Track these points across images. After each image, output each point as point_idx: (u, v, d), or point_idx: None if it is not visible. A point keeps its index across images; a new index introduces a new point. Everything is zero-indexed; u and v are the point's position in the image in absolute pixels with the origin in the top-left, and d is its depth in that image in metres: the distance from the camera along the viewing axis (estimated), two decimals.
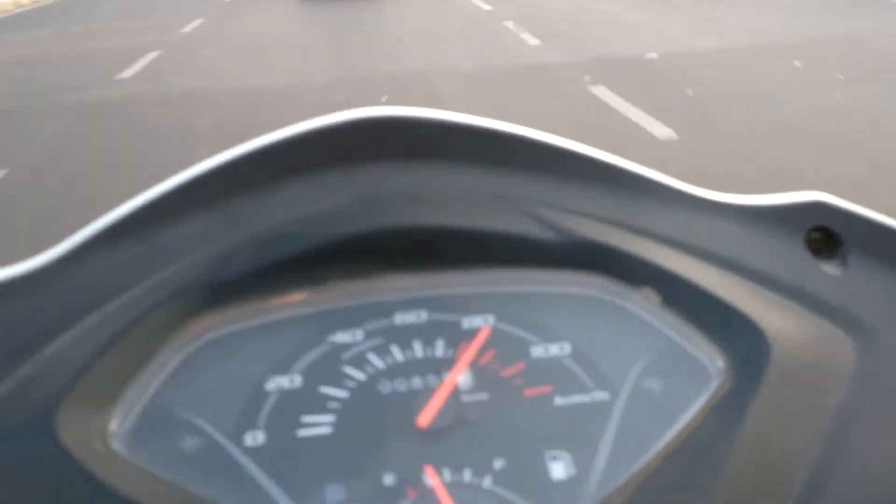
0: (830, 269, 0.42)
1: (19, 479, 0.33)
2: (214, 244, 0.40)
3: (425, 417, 0.37)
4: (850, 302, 0.41)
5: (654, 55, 5.47)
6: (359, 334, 0.40)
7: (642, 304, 0.41)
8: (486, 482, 0.35)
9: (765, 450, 0.35)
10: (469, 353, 0.39)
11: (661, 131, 3.77)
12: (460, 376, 0.39)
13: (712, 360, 0.39)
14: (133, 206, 0.40)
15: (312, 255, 0.40)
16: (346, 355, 0.39)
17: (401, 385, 0.38)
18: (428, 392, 0.38)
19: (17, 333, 0.37)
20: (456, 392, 0.38)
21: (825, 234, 0.43)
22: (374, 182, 0.42)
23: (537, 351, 0.40)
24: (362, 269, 0.41)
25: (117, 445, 0.35)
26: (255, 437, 0.36)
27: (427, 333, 0.40)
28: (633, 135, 3.73)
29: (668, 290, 0.40)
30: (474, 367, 0.39)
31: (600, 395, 0.38)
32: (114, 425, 0.36)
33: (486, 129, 0.42)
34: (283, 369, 0.39)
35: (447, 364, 0.39)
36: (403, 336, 0.40)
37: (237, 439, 0.36)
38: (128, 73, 6.04)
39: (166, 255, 0.39)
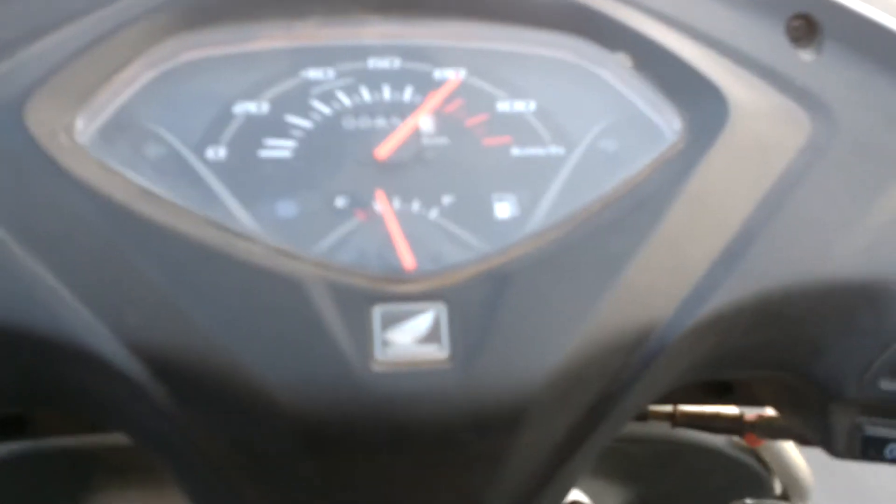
0: (805, 55, 0.43)
1: None
2: None
3: (383, 149, 0.39)
4: (818, 86, 0.42)
5: None
6: (330, 73, 0.41)
7: (613, 68, 0.42)
8: (433, 214, 0.37)
9: (704, 203, 0.37)
10: (436, 98, 0.40)
11: None
12: (423, 118, 0.40)
13: (670, 124, 0.40)
14: None
15: None
16: (316, 90, 0.40)
17: (365, 123, 0.39)
18: (390, 132, 0.39)
19: None
20: (417, 133, 0.39)
21: (806, 21, 0.44)
22: None
23: (503, 106, 0.41)
24: (343, 10, 0.41)
25: (82, 140, 0.37)
26: (216, 152, 0.38)
27: (398, 79, 0.41)
28: None
29: (641, 55, 0.41)
30: (439, 113, 0.40)
31: (556, 150, 0.40)
32: (80, 123, 0.37)
33: None
34: (251, 96, 0.39)
35: (413, 109, 0.40)
36: (374, 79, 0.41)
37: (199, 152, 0.38)
38: None
39: None
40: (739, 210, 0.38)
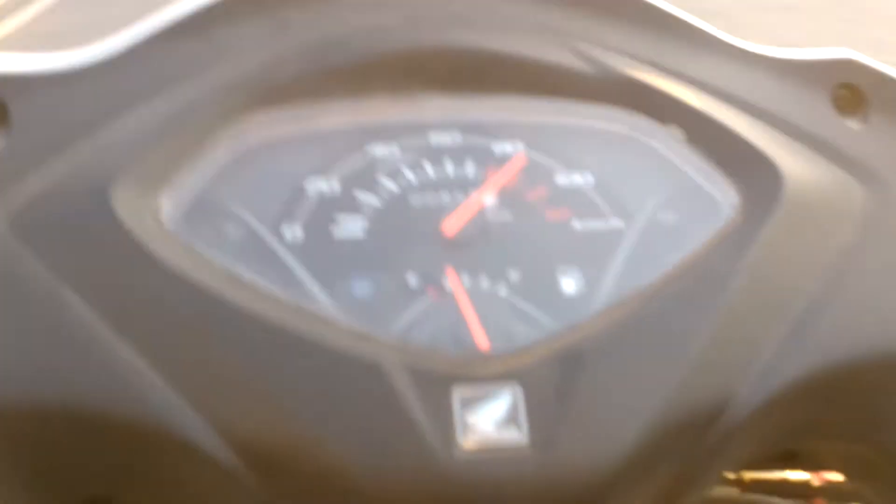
0: (853, 124, 0.44)
1: (77, 247, 0.37)
2: (268, 48, 0.42)
3: (451, 225, 0.40)
4: (868, 155, 0.43)
5: None
6: (395, 148, 0.42)
7: (667, 140, 0.43)
8: (502, 290, 0.38)
9: (768, 277, 0.38)
10: (500, 176, 0.42)
11: None
12: (488, 195, 0.41)
13: (727, 197, 0.41)
14: (194, 4, 0.42)
15: (360, 66, 0.42)
16: (382, 167, 0.42)
17: (431, 199, 0.41)
18: (455, 207, 0.41)
19: (74, 115, 0.40)
20: (482, 210, 0.41)
21: (851, 91, 0.45)
22: (427, 2, 0.44)
23: (561, 179, 0.42)
24: (405, 86, 0.43)
25: (168, 222, 0.38)
26: (293, 232, 0.39)
27: (459, 154, 0.42)
28: None
29: (693, 128, 0.42)
30: (501, 188, 0.42)
31: (616, 223, 0.41)
32: (166, 206, 0.39)
33: None
34: (322, 173, 0.41)
35: (475, 184, 0.41)
36: (436, 155, 0.42)
37: (277, 232, 0.39)
38: None
39: (223, 53, 0.41)
40: (801, 284, 0.39)
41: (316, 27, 0.43)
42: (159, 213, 0.38)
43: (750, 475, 0.64)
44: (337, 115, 0.43)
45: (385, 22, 0.43)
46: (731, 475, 0.65)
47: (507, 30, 0.44)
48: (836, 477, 0.63)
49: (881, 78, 0.45)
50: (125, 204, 0.37)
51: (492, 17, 0.44)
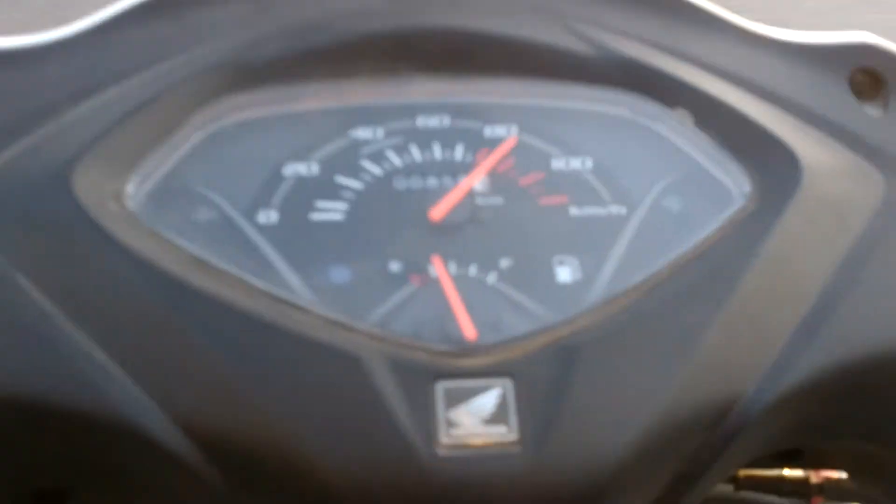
0: (872, 110, 0.41)
1: (34, 231, 0.34)
2: (246, 29, 0.40)
3: (438, 211, 0.37)
4: (888, 142, 0.40)
5: None
6: (379, 132, 0.40)
7: (673, 125, 0.40)
8: (491, 278, 0.36)
9: (781, 269, 0.35)
10: (491, 159, 0.39)
11: None
12: (478, 179, 0.39)
13: (739, 185, 0.39)
14: None
15: (342, 48, 0.40)
16: (365, 150, 0.39)
17: (416, 183, 0.38)
18: (443, 192, 0.38)
19: (41, 95, 0.37)
20: (471, 193, 0.38)
21: (870, 76, 0.42)
22: None
23: (558, 164, 0.40)
24: (390, 69, 0.40)
25: (132, 206, 0.36)
26: (268, 216, 0.37)
27: (448, 138, 0.40)
28: None
29: (703, 112, 0.40)
30: (493, 173, 0.39)
31: (617, 209, 0.38)
32: (130, 188, 0.36)
33: None
34: (301, 157, 0.39)
35: (465, 168, 0.39)
36: (424, 138, 0.40)
37: (250, 216, 0.37)
38: None
39: (197, 36, 0.39)
40: (817, 276, 0.36)
41: (297, 8, 0.40)
42: (123, 196, 0.36)
43: (747, 472, 0.62)
44: (318, 99, 0.40)
45: (369, 3, 0.40)
46: None
47: (498, 9, 0.41)
48: (836, 475, 0.61)
49: None
50: (87, 187, 0.35)
51: None
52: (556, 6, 0.41)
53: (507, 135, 0.40)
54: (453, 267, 0.36)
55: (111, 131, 0.36)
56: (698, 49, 0.41)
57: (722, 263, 0.35)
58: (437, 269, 0.36)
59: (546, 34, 0.41)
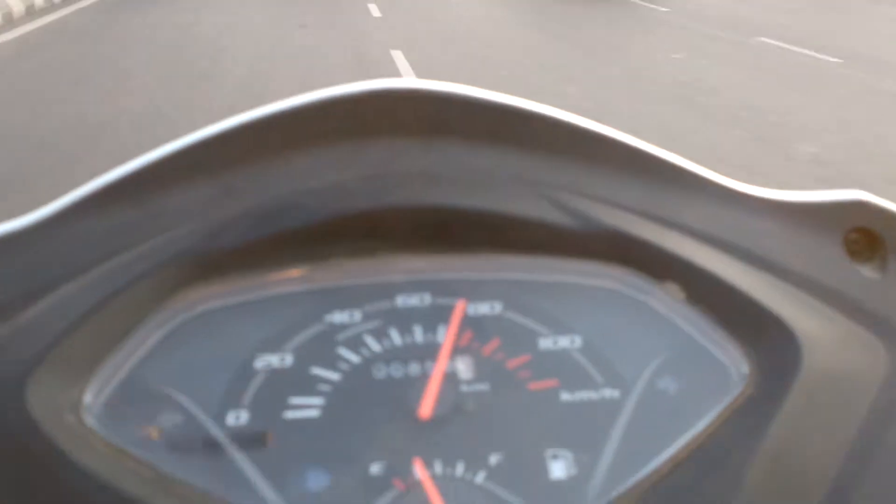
0: (868, 272, 0.40)
1: None
2: (211, 215, 0.38)
3: (427, 407, 0.35)
4: (888, 308, 0.38)
5: None
6: (356, 315, 0.38)
7: (665, 299, 0.38)
8: (480, 477, 0.33)
9: (787, 462, 0.33)
10: (450, 335, 0.37)
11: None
12: (447, 362, 0.36)
13: (736, 364, 0.36)
14: (128, 169, 0.38)
15: (314, 230, 0.38)
16: (342, 336, 0.37)
17: (397, 370, 0.36)
18: (425, 378, 0.36)
19: None
20: (454, 380, 0.36)
21: (865, 235, 0.40)
22: (386, 158, 0.39)
23: (546, 343, 0.37)
24: (366, 248, 0.39)
25: (90, 419, 0.33)
26: (237, 417, 0.34)
27: (429, 318, 0.38)
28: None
29: (694, 285, 0.38)
30: (477, 356, 0.37)
31: (610, 393, 0.36)
32: (88, 398, 0.34)
33: (509, 106, 0.40)
34: (273, 347, 0.36)
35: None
36: (404, 319, 0.38)
37: (219, 418, 0.34)
38: None
39: (159, 223, 0.37)
40: (826, 465, 0.33)
41: (265, 188, 0.38)
42: (80, 408, 0.33)
43: None
44: (290, 283, 0.38)
45: (341, 181, 0.39)
46: None
47: (476, 184, 0.39)
48: None
49: None
50: (42, 398, 0.33)
51: (459, 172, 0.39)
52: (536, 176, 0.40)
53: (492, 312, 0.38)
54: (438, 466, 0.33)
55: (67, 335, 0.34)
56: (685, 215, 0.40)
57: (723, 458, 0.33)
58: (420, 471, 0.33)
59: (527, 207, 0.39)
